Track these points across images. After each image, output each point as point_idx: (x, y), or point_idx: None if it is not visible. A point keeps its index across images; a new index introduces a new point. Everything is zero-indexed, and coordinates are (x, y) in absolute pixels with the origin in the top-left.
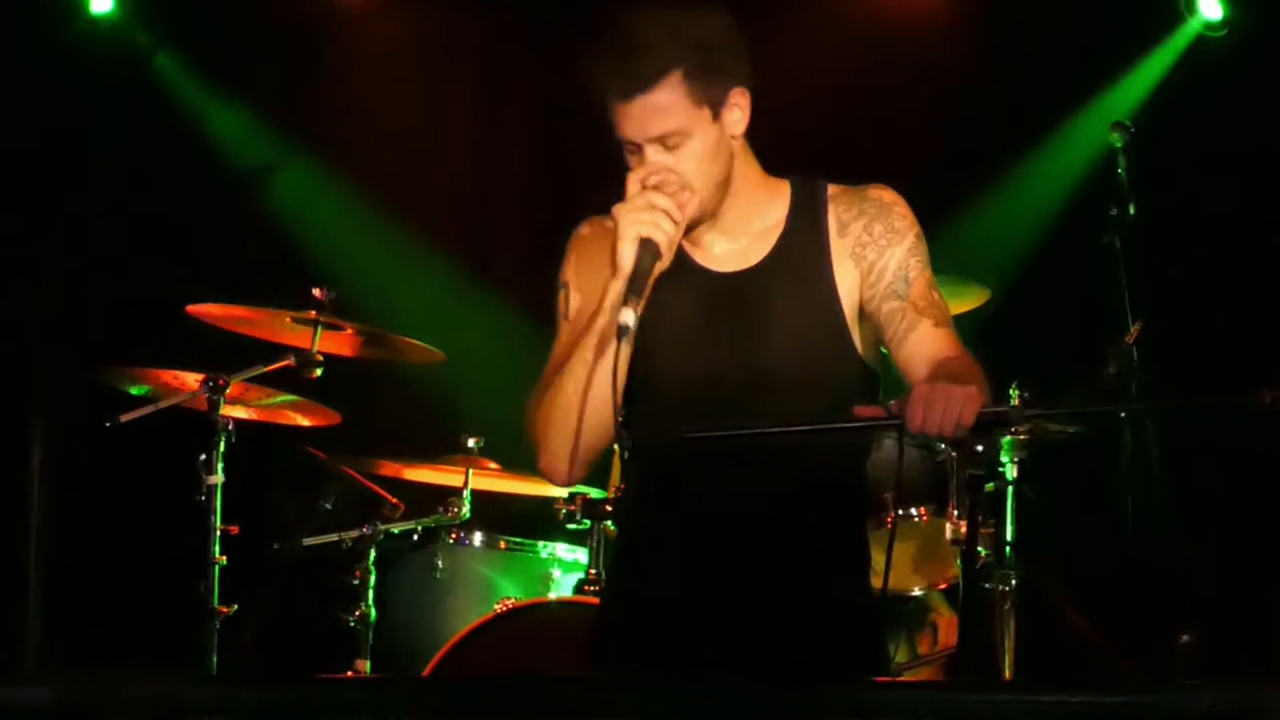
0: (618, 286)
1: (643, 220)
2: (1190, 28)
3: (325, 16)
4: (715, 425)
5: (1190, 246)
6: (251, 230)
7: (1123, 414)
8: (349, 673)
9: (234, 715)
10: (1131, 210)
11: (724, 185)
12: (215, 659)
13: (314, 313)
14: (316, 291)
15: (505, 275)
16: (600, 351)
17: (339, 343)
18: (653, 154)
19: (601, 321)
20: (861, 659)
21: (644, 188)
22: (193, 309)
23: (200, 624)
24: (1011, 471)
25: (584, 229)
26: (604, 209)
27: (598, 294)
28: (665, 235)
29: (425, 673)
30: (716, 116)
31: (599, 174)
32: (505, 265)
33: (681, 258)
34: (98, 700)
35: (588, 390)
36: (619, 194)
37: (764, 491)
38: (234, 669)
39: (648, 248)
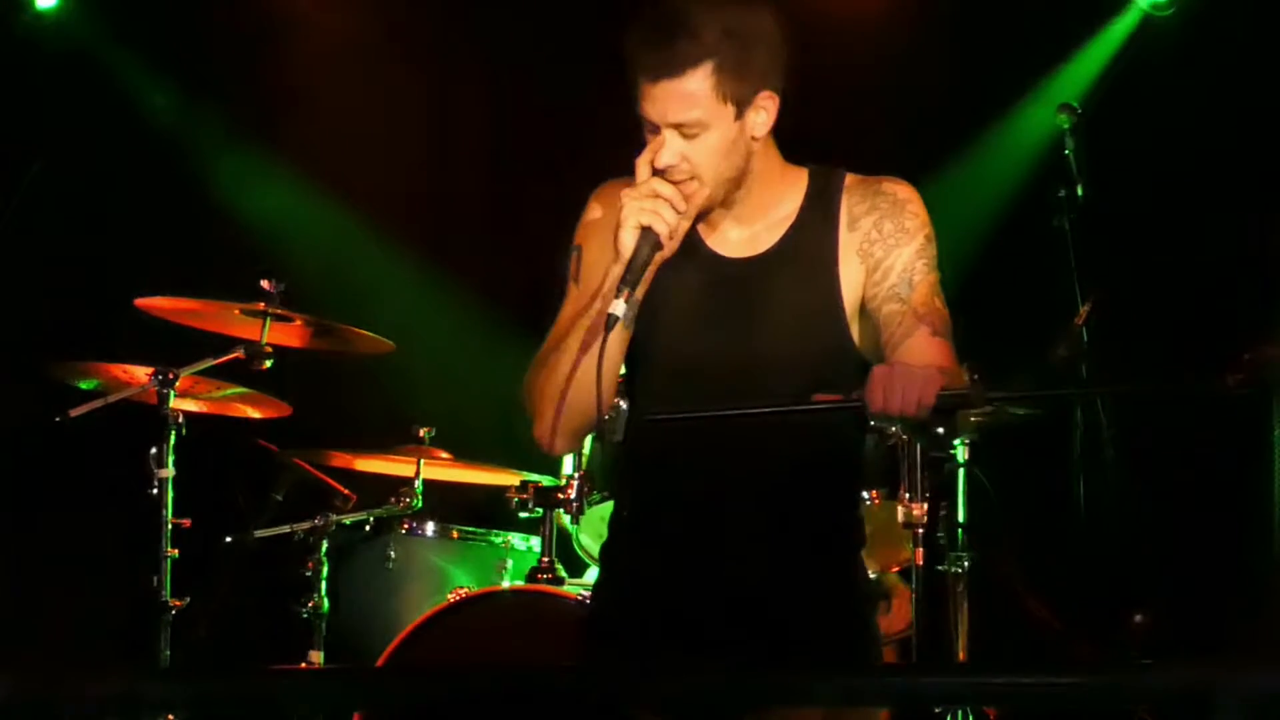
0: (616, 272)
1: (645, 209)
2: (1137, 7)
3: (276, 6)
4: (690, 408)
5: (1139, 227)
6: (200, 222)
7: (1080, 396)
8: (302, 664)
9: (189, 709)
10: (1080, 192)
11: (736, 182)
12: (168, 652)
13: (263, 304)
14: (265, 283)
15: (456, 265)
16: (595, 336)
17: (288, 334)
18: (670, 139)
19: (599, 305)
20: (851, 640)
21: (651, 171)
22: (141, 302)
23: (152, 617)
24: (963, 454)
25: (603, 191)
26: (562, 202)
27: (604, 264)
28: (667, 225)
29: (379, 663)
30: (740, 115)
31: (551, 166)
32: (456, 255)
33: (694, 240)
34: (54, 695)
35: (572, 373)
36: (576, 189)
37: (756, 473)
38: (187, 662)
39: (647, 237)
